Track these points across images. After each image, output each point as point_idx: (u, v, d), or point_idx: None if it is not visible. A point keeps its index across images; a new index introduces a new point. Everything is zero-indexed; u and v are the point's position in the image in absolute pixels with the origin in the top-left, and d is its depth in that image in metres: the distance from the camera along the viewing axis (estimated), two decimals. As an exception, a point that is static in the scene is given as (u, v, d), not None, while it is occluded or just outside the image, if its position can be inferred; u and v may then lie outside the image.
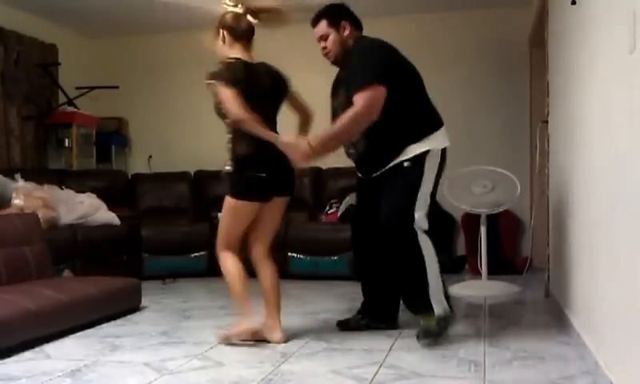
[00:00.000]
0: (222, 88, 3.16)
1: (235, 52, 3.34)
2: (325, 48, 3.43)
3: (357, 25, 3.45)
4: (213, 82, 3.20)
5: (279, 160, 3.20)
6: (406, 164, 3.24)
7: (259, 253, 3.38)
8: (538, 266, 5.22)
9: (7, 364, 2.96)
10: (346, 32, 3.39)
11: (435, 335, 3.13)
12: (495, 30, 6.31)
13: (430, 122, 3.32)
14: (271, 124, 3.29)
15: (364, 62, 3.24)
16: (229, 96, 3.14)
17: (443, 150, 3.32)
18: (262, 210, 3.32)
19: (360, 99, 3.13)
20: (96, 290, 3.90)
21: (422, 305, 3.19)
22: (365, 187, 3.50)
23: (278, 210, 3.38)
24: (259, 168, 3.22)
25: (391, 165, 3.27)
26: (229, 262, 3.32)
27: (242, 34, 3.36)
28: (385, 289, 3.55)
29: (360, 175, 3.54)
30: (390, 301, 3.56)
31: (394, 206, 3.24)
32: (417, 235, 3.17)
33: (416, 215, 3.19)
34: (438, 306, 3.15)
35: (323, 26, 3.42)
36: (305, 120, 3.45)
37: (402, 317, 3.57)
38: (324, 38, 3.42)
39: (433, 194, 3.30)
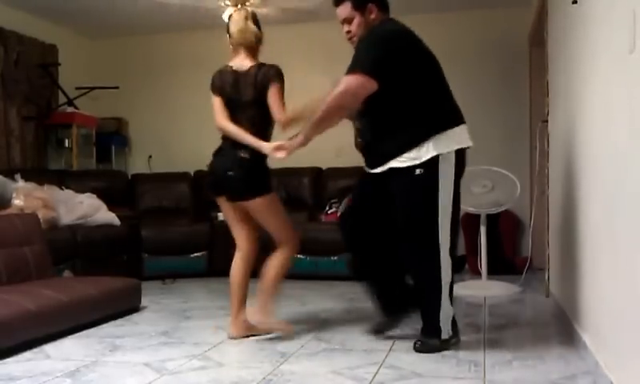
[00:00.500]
0: (213, 97, 3.40)
1: (238, 58, 3.39)
2: (349, 32, 3.19)
3: (383, 7, 3.21)
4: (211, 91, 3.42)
5: (227, 163, 3.32)
6: (417, 171, 3.00)
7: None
8: (537, 266, 5.22)
9: (7, 364, 2.96)
10: (372, 15, 3.15)
11: (435, 352, 3.03)
12: (495, 30, 6.31)
13: (444, 119, 3.07)
14: (260, 131, 3.31)
15: (366, 49, 3.06)
16: (215, 105, 3.39)
17: (459, 152, 3.07)
18: (249, 212, 3.40)
19: (342, 84, 3.00)
20: (96, 290, 3.90)
21: (431, 327, 3.07)
22: (368, 185, 3.30)
23: (254, 213, 3.38)
24: (211, 165, 3.47)
25: (400, 166, 3.04)
26: (233, 263, 3.46)
27: (236, 42, 3.39)
28: (395, 282, 3.38)
29: (366, 168, 3.31)
30: (402, 290, 3.37)
31: (415, 221, 3.05)
32: (439, 255, 3.00)
33: (440, 232, 3.00)
34: (444, 330, 3.06)
35: (347, 8, 3.17)
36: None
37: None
38: (348, 21, 3.18)
39: (455, 202, 3.09)
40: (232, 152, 3.31)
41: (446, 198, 3.03)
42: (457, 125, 3.09)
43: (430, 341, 3.05)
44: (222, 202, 3.43)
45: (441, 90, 3.14)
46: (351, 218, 3.40)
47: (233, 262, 3.46)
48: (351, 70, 3.02)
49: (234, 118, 3.35)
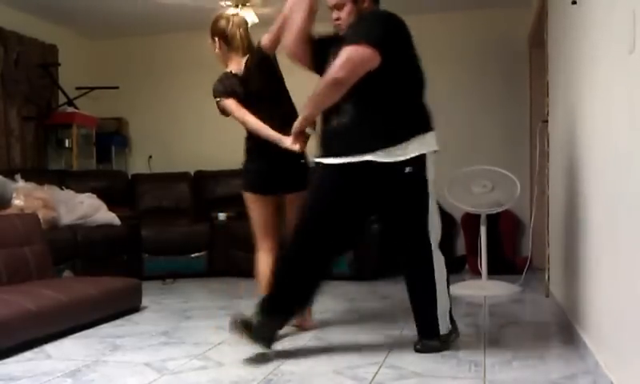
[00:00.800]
0: (225, 101, 3.33)
1: (232, 63, 3.39)
2: (338, 19, 3.04)
3: None
4: (218, 99, 3.37)
5: (278, 156, 3.27)
6: (407, 169, 2.90)
7: None
8: (537, 266, 5.23)
9: (8, 364, 2.96)
10: (365, 4, 3.03)
11: (436, 352, 3.01)
12: (495, 30, 6.31)
13: (426, 120, 3.01)
14: (280, 121, 3.30)
15: (369, 24, 2.94)
16: (232, 106, 3.32)
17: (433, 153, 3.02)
18: (286, 207, 3.46)
19: (342, 55, 2.82)
20: (96, 290, 3.90)
21: (428, 325, 3.04)
22: (332, 185, 3.00)
23: (292, 206, 3.41)
24: (255, 162, 3.41)
25: (384, 160, 2.88)
26: (259, 264, 3.48)
27: (238, 47, 3.39)
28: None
29: (326, 159, 2.99)
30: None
31: (407, 219, 3.01)
32: (432, 255, 2.99)
33: (430, 231, 2.98)
34: (443, 327, 3.04)
35: None
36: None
37: (401, 316, 3.56)
38: (338, 7, 3.02)
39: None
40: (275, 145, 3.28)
41: (433, 196, 3.00)
42: (432, 130, 3.03)
43: (431, 342, 3.04)
44: (262, 200, 3.40)
45: (422, 91, 3.07)
46: (319, 225, 3.04)
47: (260, 263, 3.47)
48: (354, 43, 2.84)
49: (259, 117, 3.32)
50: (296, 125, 3.10)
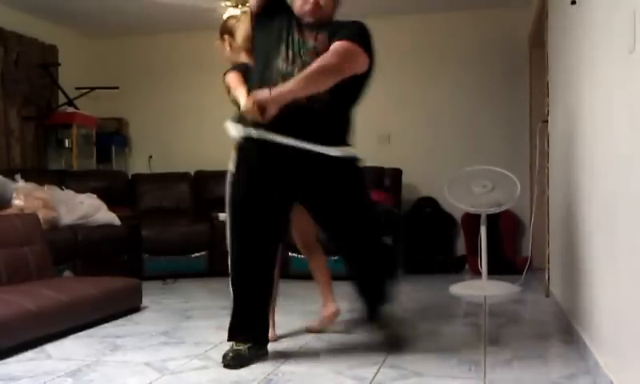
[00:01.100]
0: (229, 73, 3.26)
1: (243, 58, 3.38)
2: (316, 3, 2.93)
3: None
4: (225, 75, 3.31)
5: None
6: (357, 163, 3.04)
7: (298, 244, 3.69)
8: (537, 266, 5.23)
9: (8, 364, 2.96)
10: (339, 7, 3.05)
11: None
12: (495, 30, 6.31)
13: None
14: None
15: (354, 30, 2.90)
16: (231, 76, 3.24)
17: None
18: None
19: (337, 46, 2.79)
20: (96, 290, 3.90)
21: (392, 292, 3.21)
22: (265, 163, 2.92)
23: (299, 210, 3.40)
24: None
25: (343, 156, 2.93)
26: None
27: (247, 43, 3.38)
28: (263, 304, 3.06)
29: (273, 135, 2.84)
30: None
31: (363, 210, 3.15)
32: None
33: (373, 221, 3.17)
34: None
35: None
36: None
37: (401, 316, 3.56)
38: None
39: None
40: None
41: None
42: None
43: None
44: None
45: None
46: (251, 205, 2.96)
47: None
48: (342, 38, 2.83)
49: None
50: (269, 96, 2.72)
